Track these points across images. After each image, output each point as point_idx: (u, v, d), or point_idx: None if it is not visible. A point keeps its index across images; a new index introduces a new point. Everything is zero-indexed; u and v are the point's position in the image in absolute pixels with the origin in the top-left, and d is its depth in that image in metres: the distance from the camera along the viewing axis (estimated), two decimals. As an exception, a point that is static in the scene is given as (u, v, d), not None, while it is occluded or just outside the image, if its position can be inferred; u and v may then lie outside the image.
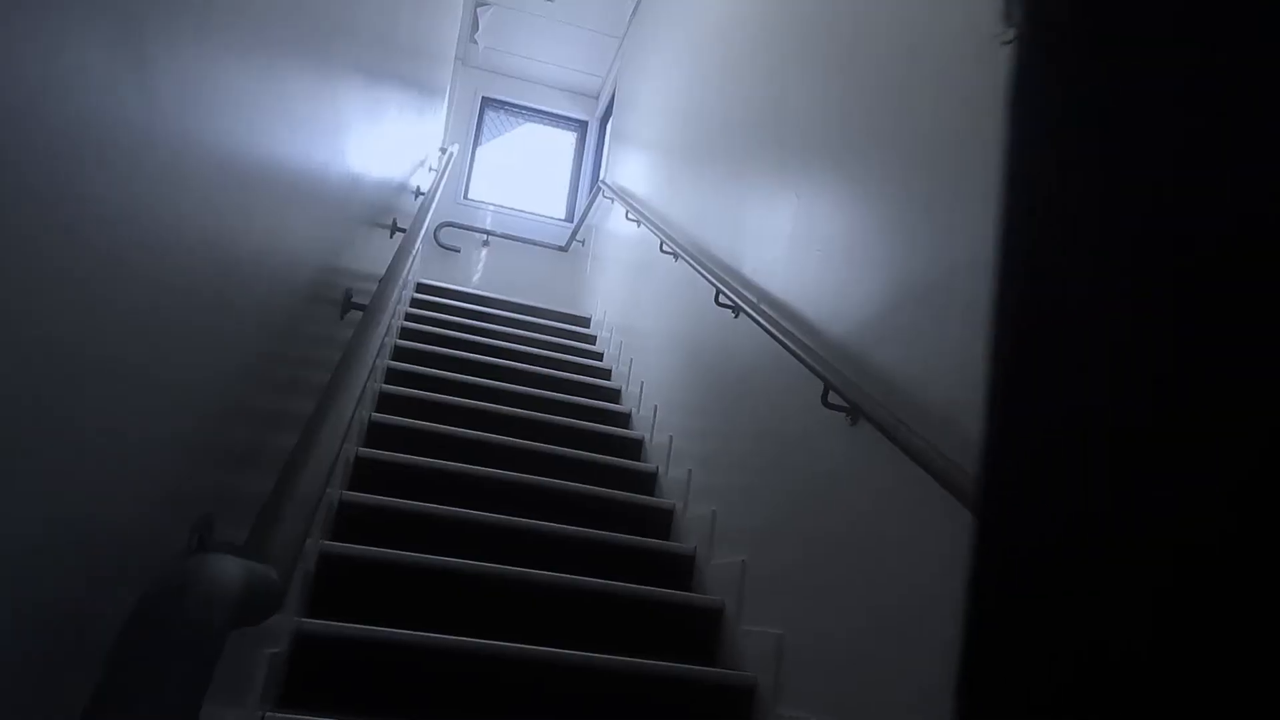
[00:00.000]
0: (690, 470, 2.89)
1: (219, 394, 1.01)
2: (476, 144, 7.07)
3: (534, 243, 6.72)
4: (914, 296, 1.70)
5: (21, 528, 0.56)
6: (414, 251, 2.75)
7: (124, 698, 0.48)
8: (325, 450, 1.14)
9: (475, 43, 6.63)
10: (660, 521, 2.91)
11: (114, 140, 0.62)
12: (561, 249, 6.65)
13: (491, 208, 6.85)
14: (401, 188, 3.33)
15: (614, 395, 4.02)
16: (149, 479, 0.80)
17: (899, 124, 1.94)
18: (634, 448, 3.48)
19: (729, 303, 2.69)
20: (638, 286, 4.46)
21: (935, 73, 1.81)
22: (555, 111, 7.31)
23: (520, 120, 7.30)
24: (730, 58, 3.59)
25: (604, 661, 1.98)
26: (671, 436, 3.18)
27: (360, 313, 1.87)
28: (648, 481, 3.21)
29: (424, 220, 3.01)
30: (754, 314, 2.40)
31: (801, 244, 2.37)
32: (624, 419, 3.77)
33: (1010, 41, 0.37)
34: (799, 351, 2.04)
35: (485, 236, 6.64)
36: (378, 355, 1.71)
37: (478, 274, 6.53)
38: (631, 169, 5.29)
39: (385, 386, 3.21)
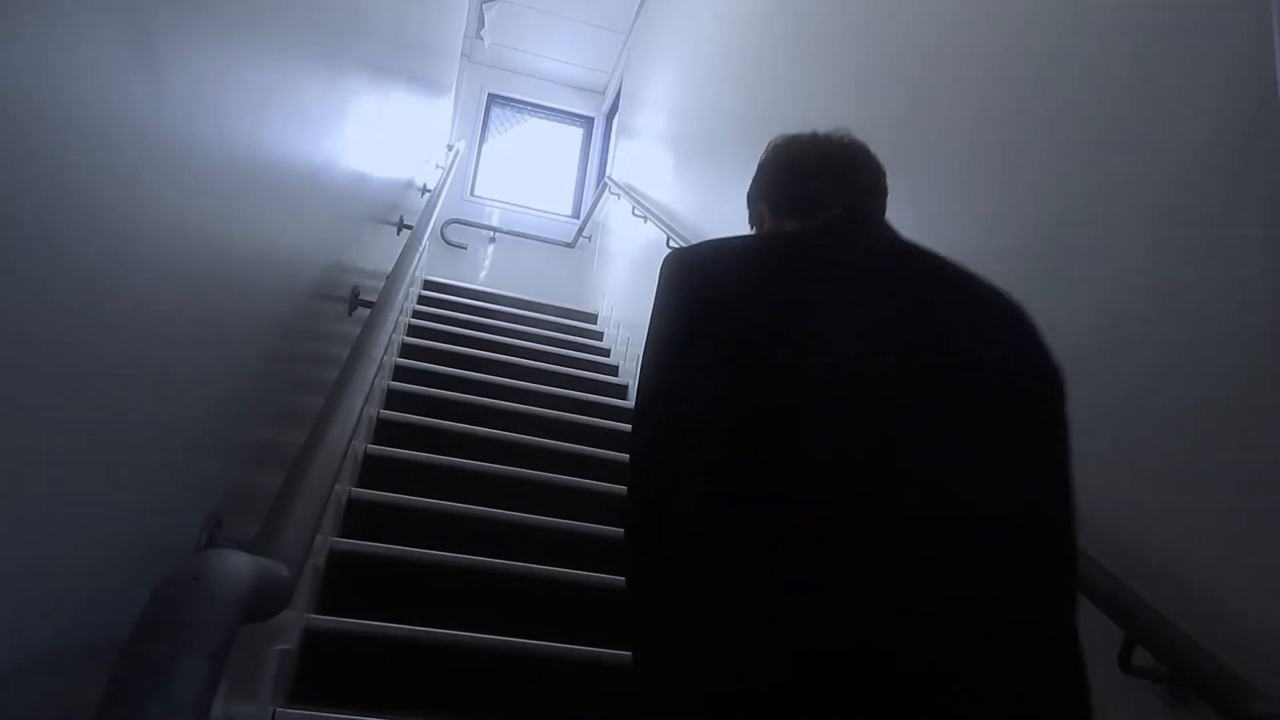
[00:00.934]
0: (698, 465, 2.88)
1: (227, 391, 1.01)
2: (483, 140, 7.06)
3: (540, 239, 6.71)
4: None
5: (32, 528, 0.56)
6: (421, 248, 2.75)
7: (136, 693, 0.48)
8: (334, 447, 1.14)
9: (481, 39, 6.63)
10: (669, 518, 2.89)
11: (121, 139, 0.62)
12: (568, 245, 6.64)
13: (498, 204, 6.84)
14: (408, 185, 3.34)
15: (621, 391, 4.02)
16: (158, 476, 0.80)
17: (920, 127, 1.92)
18: (642, 444, 3.47)
19: (736, 298, 2.67)
20: (645, 282, 4.45)
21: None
22: (561, 108, 7.29)
23: (526, 116, 7.29)
24: (738, 53, 3.58)
25: (613, 658, 1.98)
26: (679, 432, 3.17)
27: (368, 310, 1.87)
28: (656, 477, 3.19)
29: (430, 217, 3.01)
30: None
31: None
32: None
33: None
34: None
35: (492, 234, 6.64)
36: (385, 352, 1.71)
37: (484, 271, 6.53)
38: (638, 165, 5.28)
39: (393, 383, 3.21)
